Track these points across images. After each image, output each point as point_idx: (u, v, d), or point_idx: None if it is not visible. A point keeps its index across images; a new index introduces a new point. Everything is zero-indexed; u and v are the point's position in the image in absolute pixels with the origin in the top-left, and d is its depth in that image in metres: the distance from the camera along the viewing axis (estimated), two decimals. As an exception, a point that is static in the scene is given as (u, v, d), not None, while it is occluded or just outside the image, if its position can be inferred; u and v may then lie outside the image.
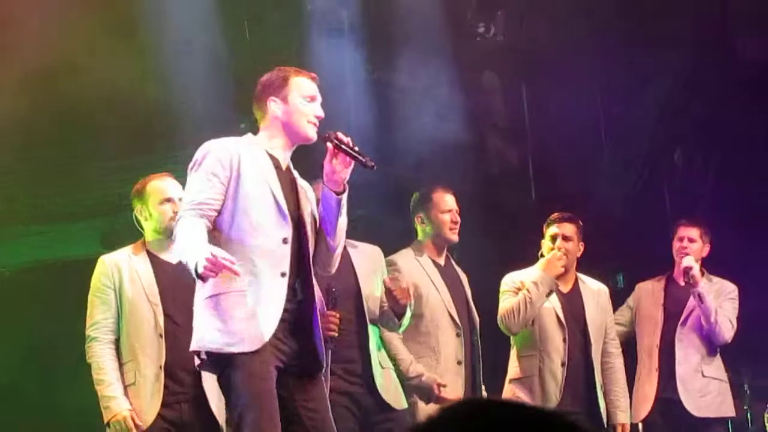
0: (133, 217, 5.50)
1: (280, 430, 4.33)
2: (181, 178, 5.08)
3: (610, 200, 8.57)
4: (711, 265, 6.82)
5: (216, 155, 4.45)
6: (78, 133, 7.27)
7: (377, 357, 5.76)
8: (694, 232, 6.73)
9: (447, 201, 6.18)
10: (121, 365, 5.31)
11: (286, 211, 4.45)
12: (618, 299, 6.83)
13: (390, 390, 5.78)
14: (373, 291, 5.79)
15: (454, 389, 5.94)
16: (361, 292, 5.75)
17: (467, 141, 8.07)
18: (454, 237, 6.18)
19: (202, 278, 4.17)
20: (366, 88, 7.84)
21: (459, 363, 6.06)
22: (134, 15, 7.20)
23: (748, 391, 7.71)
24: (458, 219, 6.17)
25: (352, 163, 4.52)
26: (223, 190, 4.42)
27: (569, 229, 6.30)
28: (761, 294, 6.97)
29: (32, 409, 8.25)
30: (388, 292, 5.58)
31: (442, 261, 6.25)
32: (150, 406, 5.26)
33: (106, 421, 5.25)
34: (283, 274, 4.39)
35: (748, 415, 7.73)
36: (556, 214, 6.37)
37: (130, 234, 5.60)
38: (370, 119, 7.51)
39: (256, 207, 4.43)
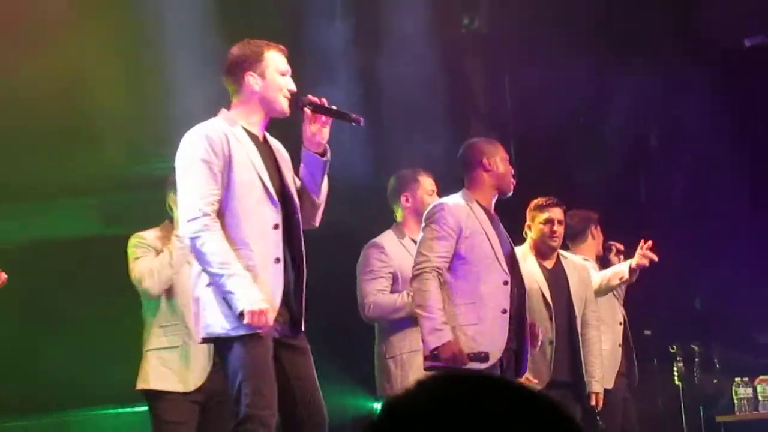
0: (167, 205, 5.63)
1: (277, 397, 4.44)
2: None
3: (587, 187, 8.70)
4: (677, 248, 7.24)
5: (207, 143, 4.45)
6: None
7: None
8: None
9: (431, 183, 6.24)
10: (162, 327, 5.42)
11: (275, 195, 4.51)
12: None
13: None
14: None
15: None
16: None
17: (450, 127, 8.22)
18: None
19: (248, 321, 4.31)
20: (353, 72, 7.99)
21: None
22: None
23: (717, 366, 7.91)
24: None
25: (329, 122, 4.61)
26: (219, 179, 4.43)
27: (559, 213, 6.48)
28: (731, 271, 7.15)
29: (21, 378, 7.99)
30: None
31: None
32: (201, 375, 5.38)
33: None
34: (277, 260, 4.46)
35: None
36: (543, 199, 6.50)
37: (133, 213, 5.69)
38: (357, 104, 7.67)
39: (248, 193, 4.46)
